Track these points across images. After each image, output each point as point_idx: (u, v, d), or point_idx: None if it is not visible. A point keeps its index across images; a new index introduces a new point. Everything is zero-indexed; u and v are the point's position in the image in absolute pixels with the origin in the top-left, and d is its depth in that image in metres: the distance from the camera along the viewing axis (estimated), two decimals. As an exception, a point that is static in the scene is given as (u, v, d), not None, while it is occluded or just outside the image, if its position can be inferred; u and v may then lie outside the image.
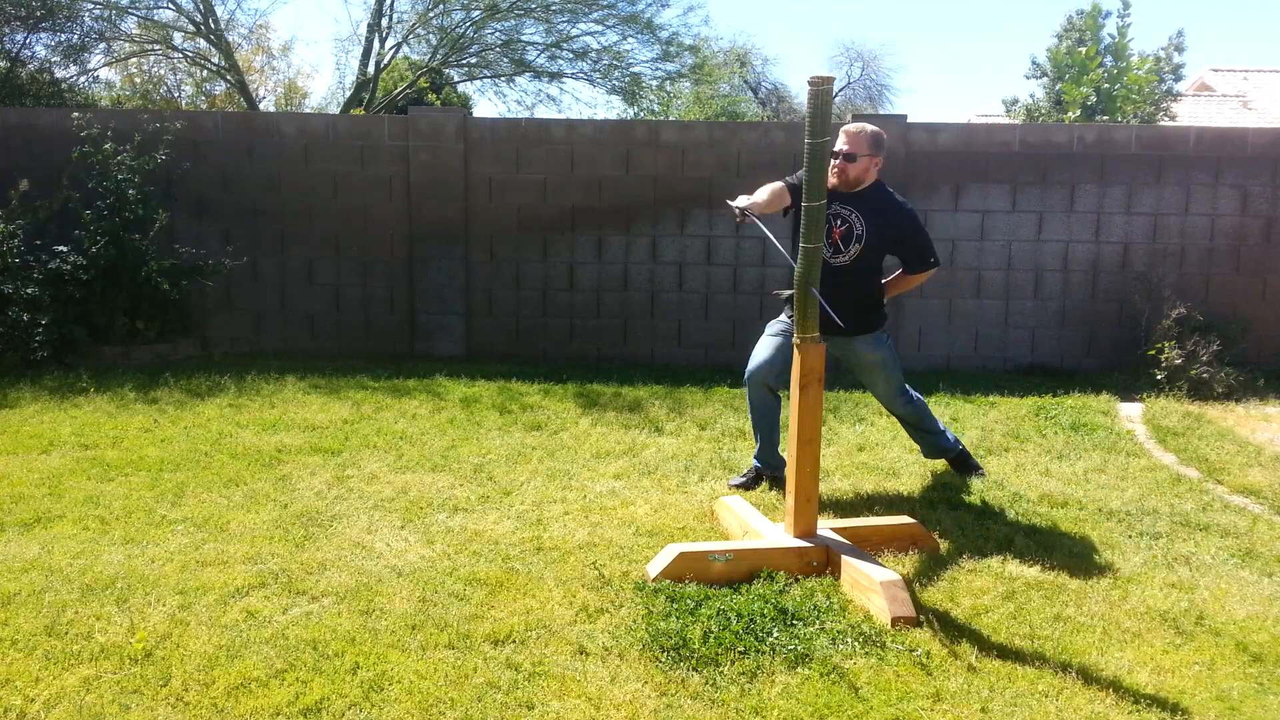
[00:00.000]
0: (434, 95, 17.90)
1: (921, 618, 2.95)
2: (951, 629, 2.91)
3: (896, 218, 4.26)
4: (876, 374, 4.37)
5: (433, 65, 15.95)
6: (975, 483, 4.48)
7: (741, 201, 3.86)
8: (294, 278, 7.66)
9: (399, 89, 16.67)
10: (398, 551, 3.48)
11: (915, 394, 4.55)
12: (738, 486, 4.36)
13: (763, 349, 4.34)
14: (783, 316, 4.38)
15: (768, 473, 4.42)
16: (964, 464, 4.64)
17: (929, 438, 4.61)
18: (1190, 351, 6.69)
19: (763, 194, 4.03)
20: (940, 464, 4.82)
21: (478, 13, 14.56)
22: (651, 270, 7.61)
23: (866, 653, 2.74)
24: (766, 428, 4.39)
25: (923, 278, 4.50)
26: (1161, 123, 13.35)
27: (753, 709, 2.46)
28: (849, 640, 2.80)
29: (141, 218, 7.05)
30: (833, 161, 4.08)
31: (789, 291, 3.87)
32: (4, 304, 6.59)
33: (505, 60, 15.59)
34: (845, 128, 4.20)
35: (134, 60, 16.43)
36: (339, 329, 7.70)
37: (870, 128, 4.19)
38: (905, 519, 3.71)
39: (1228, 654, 2.82)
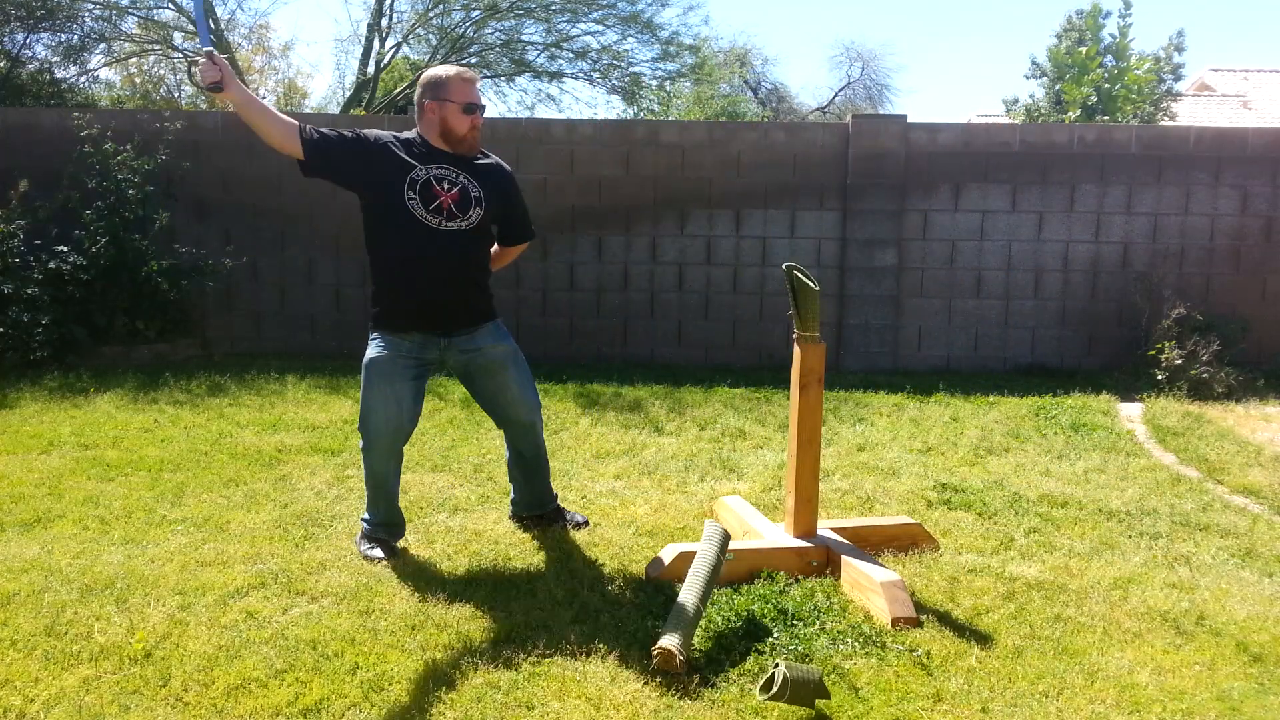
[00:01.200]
0: (434, 95, 17.88)
1: (921, 618, 2.95)
2: (951, 629, 2.91)
3: (505, 179, 3.51)
4: (509, 370, 3.49)
5: (433, 65, 15.95)
6: (975, 483, 4.48)
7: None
8: (294, 278, 7.66)
9: (399, 89, 16.67)
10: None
11: None
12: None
13: (390, 399, 3.33)
14: (390, 351, 3.35)
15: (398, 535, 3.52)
16: (560, 514, 3.82)
17: (544, 478, 3.76)
18: (1190, 351, 6.69)
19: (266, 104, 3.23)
20: (939, 463, 4.82)
21: (478, 13, 14.57)
22: (651, 270, 7.61)
23: (866, 653, 2.74)
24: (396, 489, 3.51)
25: (521, 250, 3.76)
26: (1161, 123, 13.35)
27: (753, 709, 2.46)
28: (849, 640, 2.80)
29: (142, 218, 7.06)
30: (471, 118, 3.34)
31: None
32: (4, 304, 6.59)
33: (505, 60, 15.60)
34: (471, 76, 3.40)
35: (134, 60, 16.44)
36: (339, 329, 7.70)
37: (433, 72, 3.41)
38: (905, 519, 3.70)
39: (1228, 654, 2.81)
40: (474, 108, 3.36)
